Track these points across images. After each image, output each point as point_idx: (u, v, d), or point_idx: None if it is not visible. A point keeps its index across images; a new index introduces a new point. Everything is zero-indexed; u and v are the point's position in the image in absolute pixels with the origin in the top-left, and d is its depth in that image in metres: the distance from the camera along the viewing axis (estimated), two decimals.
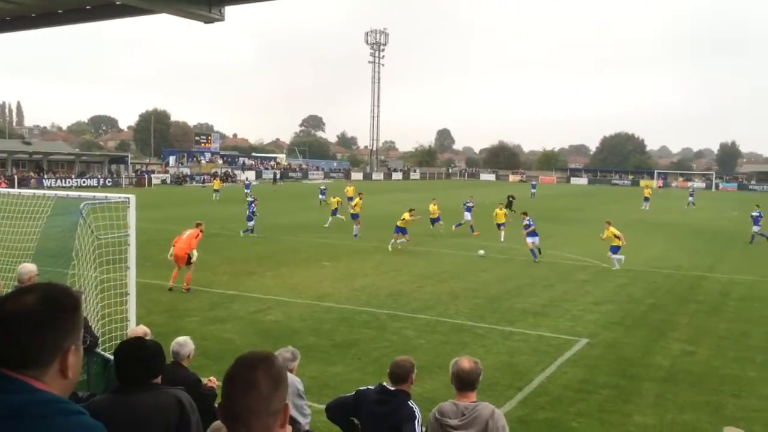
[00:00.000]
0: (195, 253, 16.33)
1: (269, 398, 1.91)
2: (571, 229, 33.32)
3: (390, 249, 22.94)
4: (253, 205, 28.82)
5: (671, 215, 44.36)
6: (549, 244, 26.77)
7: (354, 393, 5.19)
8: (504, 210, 29.61)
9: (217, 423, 5.13)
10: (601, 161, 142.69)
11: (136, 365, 3.68)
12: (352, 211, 29.28)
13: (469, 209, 31.75)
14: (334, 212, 32.59)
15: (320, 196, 44.59)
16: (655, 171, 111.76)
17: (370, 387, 5.13)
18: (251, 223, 27.54)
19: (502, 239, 26.84)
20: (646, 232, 32.27)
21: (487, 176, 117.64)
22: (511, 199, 41.58)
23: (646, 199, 51.13)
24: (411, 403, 4.87)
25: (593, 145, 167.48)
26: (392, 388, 4.91)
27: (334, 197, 33.99)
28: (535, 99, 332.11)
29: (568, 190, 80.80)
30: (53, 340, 1.74)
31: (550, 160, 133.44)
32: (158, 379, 3.82)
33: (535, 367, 10.83)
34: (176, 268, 16.34)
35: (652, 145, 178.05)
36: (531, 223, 23.00)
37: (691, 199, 54.94)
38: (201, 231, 17.03)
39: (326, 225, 31.17)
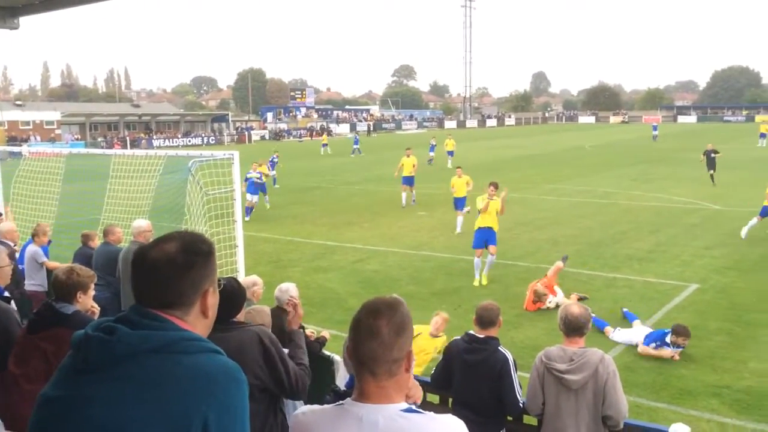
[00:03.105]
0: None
1: (391, 345, 1.95)
2: (678, 170, 31.62)
3: None
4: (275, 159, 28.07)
5: None
6: (655, 186, 25.62)
7: (443, 353, 5.17)
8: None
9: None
10: (711, 97, 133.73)
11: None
12: (403, 173, 22.37)
13: None
14: (261, 188, 22.09)
15: (431, 153, 38.08)
16: None
17: (456, 338, 5.10)
18: (272, 172, 26.73)
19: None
20: (763, 171, 30.15)
21: (586, 119, 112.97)
22: (712, 154, 26.21)
23: (763, 135, 47.49)
24: (502, 348, 4.83)
25: (702, 81, 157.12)
26: (481, 336, 4.86)
27: (259, 164, 22.65)
28: (636, 33, 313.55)
29: (675, 129, 76.36)
30: (192, 282, 1.89)
31: (654, 99, 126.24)
32: (238, 317, 3.94)
33: (642, 313, 10.50)
34: None
35: None
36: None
37: None
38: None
39: (267, 206, 22.25)
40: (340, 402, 2.06)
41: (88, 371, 1.78)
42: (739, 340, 9.31)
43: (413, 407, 2.00)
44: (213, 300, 1.96)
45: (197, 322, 1.92)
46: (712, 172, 25.55)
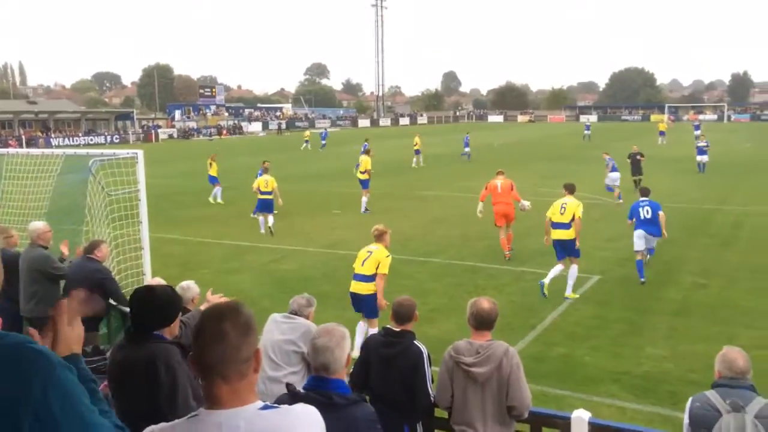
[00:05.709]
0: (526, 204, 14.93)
1: (239, 347, 1.95)
2: (581, 167, 33.05)
3: None
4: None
5: (684, 149, 43.86)
6: (560, 183, 26.59)
7: (360, 349, 5.20)
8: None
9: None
10: (610, 97, 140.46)
11: (147, 312, 3.64)
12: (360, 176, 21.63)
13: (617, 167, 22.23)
14: (214, 180, 23.76)
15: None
16: (666, 105, 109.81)
17: (373, 332, 5.14)
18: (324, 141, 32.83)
19: None
20: (659, 168, 32.03)
21: (495, 118, 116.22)
22: (638, 157, 23.96)
23: (662, 133, 50.00)
24: (417, 342, 4.90)
25: (602, 81, 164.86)
26: (397, 329, 4.94)
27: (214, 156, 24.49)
28: (541, 35, 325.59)
29: (577, 128, 79.73)
30: None
31: (558, 99, 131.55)
32: (170, 327, 3.72)
33: (548, 305, 10.93)
34: (502, 229, 14.64)
35: (662, 78, 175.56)
36: None
37: (698, 132, 52.05)
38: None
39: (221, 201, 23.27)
40: (194, 414, 2.00)
41: None
42: (636, 328, 9.84)
43: (269, 404, 2.01)
44: None
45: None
46: (638, 177, 22.95)
